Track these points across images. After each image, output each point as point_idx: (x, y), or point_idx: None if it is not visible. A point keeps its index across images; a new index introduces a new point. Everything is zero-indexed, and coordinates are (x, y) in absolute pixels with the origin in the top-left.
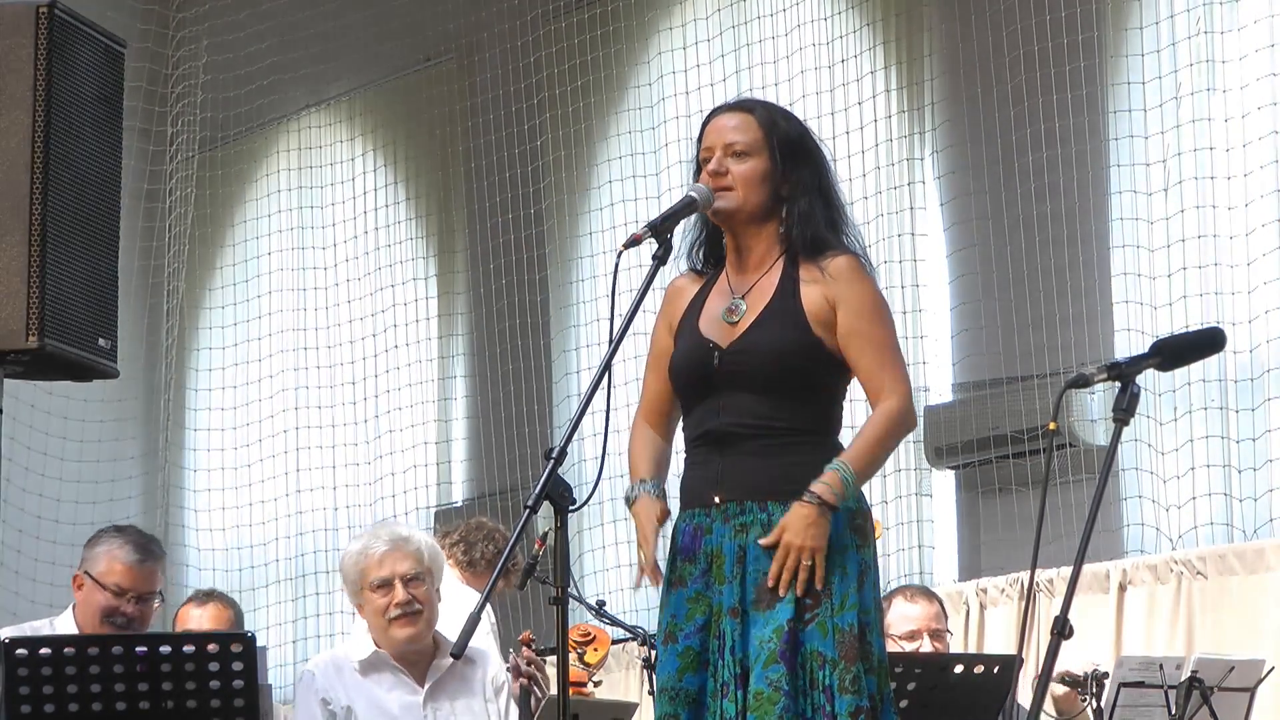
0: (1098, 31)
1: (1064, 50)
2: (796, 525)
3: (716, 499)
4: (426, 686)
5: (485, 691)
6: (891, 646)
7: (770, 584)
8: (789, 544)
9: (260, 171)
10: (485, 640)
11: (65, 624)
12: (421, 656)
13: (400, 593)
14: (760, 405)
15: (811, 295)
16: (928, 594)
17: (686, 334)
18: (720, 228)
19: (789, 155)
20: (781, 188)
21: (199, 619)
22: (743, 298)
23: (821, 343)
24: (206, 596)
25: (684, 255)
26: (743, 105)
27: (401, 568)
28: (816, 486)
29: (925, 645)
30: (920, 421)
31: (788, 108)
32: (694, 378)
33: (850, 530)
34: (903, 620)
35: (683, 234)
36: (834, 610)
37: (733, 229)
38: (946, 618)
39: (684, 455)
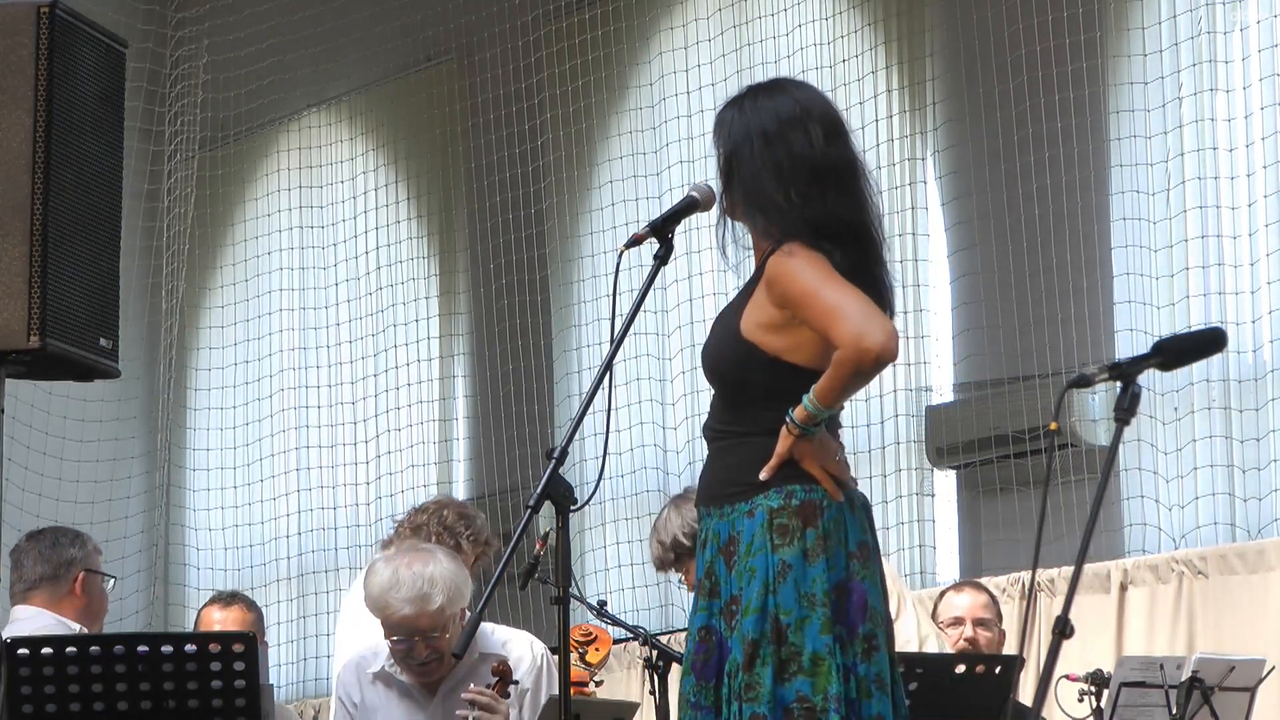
0: (1099, 31)
1: (1065, 50)
2: (777, 447)
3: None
4: (437, 696)
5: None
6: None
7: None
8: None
9: (261, 171)
10: (506, 634)
11: None
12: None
13: (419, 650)
14: (718, 407)
15: (757, 299)
16: (976, 585)
17: None
18: None
19: (733, 147)
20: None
21: (222, 622)
22: None
23: (754, 346)
24: (230, 598)
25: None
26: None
27: (422, 624)
28: (794, 410)
29: (968, 631)
30: (922, 421)
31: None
32: None
33: (770, 529)
34: (948, 608)
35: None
36: (742, 616)
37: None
38: (999, 609)
39: None
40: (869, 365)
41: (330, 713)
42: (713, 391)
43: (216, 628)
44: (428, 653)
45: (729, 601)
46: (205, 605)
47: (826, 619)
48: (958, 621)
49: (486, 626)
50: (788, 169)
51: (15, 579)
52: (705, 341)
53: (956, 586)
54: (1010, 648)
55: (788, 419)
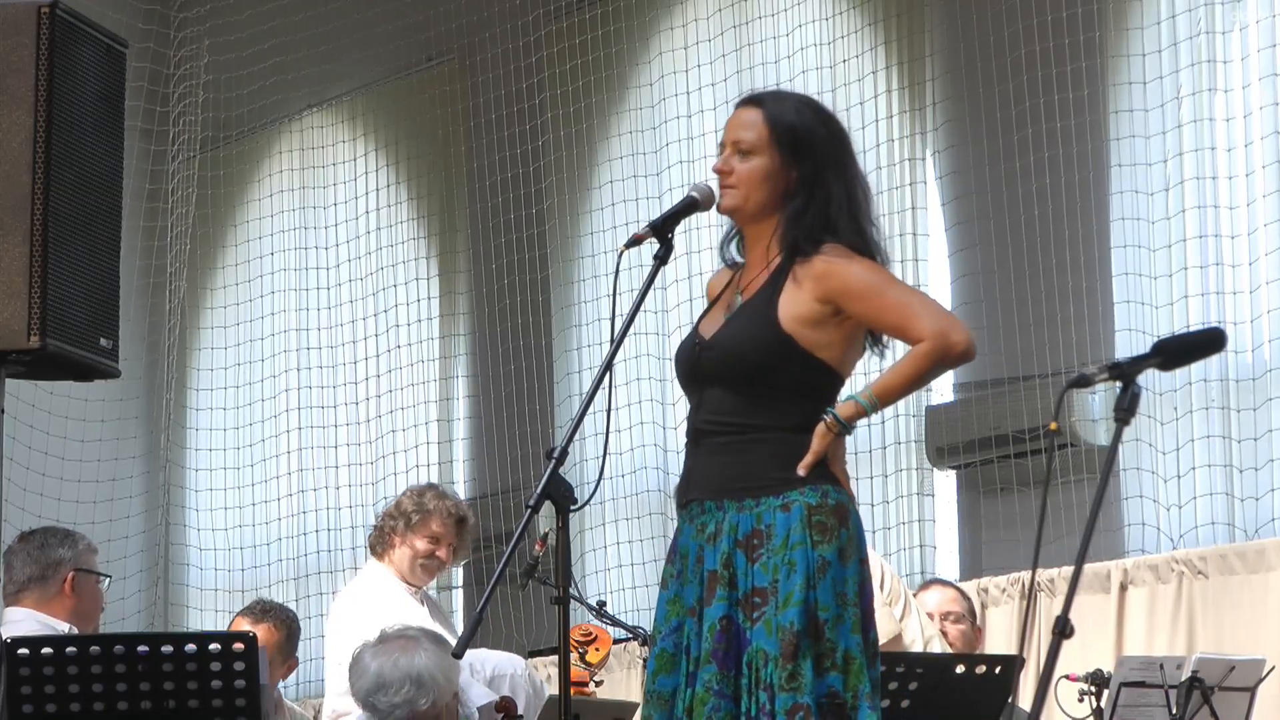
0: (1099, 31)
1: (1065, 50)
2: (813, 444)
3: (686, 500)
4: None
5: None
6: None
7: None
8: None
9: (262, 171)
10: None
11: None
12: None
13: None
14: (729, 401)
15: (794, 293)
16: (943, 583)
17: (691, 328)
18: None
19: (792, 151)
20: (787, 185)
21: None
22: (741, 292)
23: (792, 340)
24: (263, 613)
25: (721, 248)
26: (755, 100)
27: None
28: (838, 407)
29: (936, 625)
30: (922, 421)
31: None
32: (682, 372)
33: (807, 526)
34: (918, 606)
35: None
36: (778, 608)
37: (742, 225)
38: (970, 605)
39: None
40: (953, 359)
41: None
42: (714, 386)
43: None
44: None
45: (750, 593)
46: (239, 613)
47: (857, 619)
48: (929, 617)
49: (466, 672)
50: (866, 194)
51: (7, 581)
52: (717, 335)
53: (925, 585)
54: (1010, 648)
55: (828, 416)
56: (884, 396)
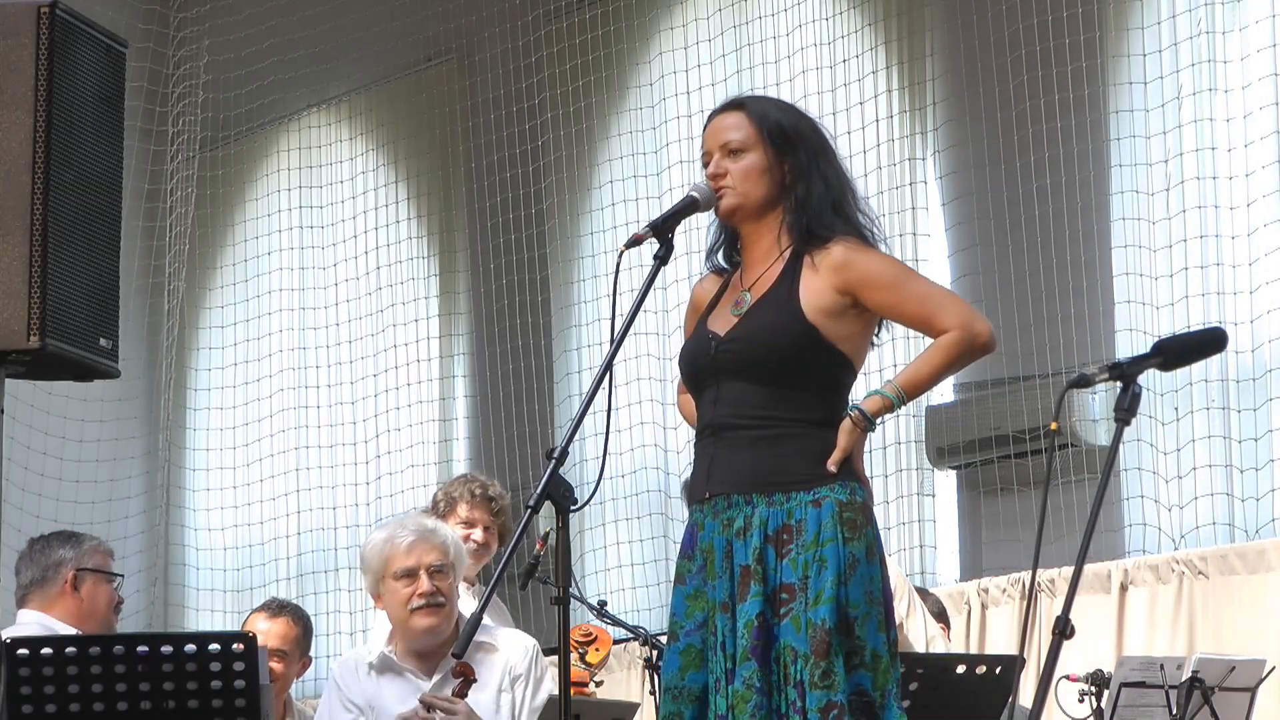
0: (1099, 31)
1: (1065, 50)
2: (840, 440)
3: (707, 494)
4: (434, 679)
5: (502, 680)
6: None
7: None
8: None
9: (261, 171)
10: (504, 627)
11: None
12: (439, 648)
13: (425, 583)
14: (754, 395)
15: (811, 283)
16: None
17: (695, 328)
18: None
19: (783, 144)
20: (782, 178)
21: (266, 633)
22: (749, 290)
23: (816, 330)
24: (280, 609)
25: (707, 256)
26: (734, 103)
27: (428, 559)
28: (862, 402)
29: None
30: (922, 421)
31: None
32: (695, 369)
33: (838, 522)
34: None
35: (706, 231)
36: (808, 605)
37: (740, 225)
38: (933, 607)
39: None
40: (978, 350)
41: (321, 710)
42: (734, 380)
43: (260, 636)
44: (432, 588)
45: (778, 589)
46: (254, 611)
47: (881, 618)
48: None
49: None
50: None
51: (16, 585)
52: (739, 329)
53: None
54: (1010, 648)
55: (854, 411)
56: (910, 389)
